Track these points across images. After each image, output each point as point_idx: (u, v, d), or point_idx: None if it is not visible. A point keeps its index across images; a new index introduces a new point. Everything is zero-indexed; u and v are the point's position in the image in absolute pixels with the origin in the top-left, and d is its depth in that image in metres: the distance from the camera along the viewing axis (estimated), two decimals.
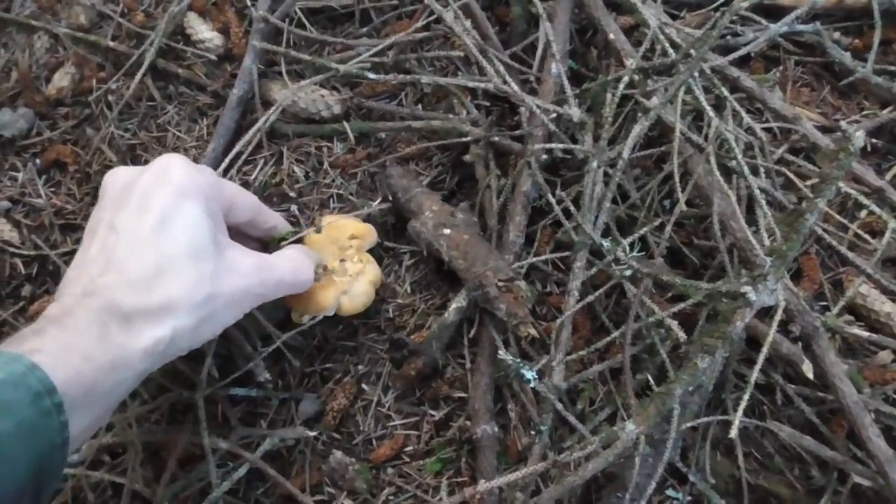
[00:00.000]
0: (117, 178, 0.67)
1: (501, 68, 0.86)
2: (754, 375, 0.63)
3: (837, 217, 0.84)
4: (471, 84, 0.85)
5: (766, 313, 0.75)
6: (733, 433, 0.60)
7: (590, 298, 0.75)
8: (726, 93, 0.81)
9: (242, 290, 0.67)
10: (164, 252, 0.62)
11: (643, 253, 0.83)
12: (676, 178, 0.73)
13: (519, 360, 0.69)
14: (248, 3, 0.99)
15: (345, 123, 0.95)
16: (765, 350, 0.65)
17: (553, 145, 0.81)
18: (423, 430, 0.82)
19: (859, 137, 0.54)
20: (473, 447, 0.78)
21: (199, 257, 0.63)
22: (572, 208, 0.77)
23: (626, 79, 0.78)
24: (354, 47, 1.00)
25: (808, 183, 0.82)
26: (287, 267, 0.74)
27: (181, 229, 0.63)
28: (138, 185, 0.65)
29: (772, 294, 0.58)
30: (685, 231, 0.88)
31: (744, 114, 0.82)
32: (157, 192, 0.64)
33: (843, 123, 0.58)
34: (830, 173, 0.56)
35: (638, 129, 0.73)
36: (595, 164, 0.76)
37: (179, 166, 0.66)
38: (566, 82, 0.86)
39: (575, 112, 0.80)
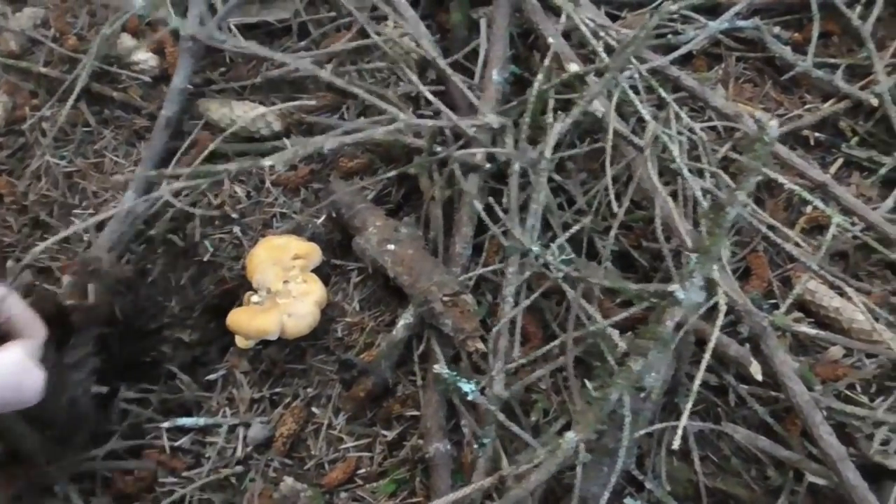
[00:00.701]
0: None
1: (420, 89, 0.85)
2: (697, 382, 0.62)
3: (783, 214, 0.84)
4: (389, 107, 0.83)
5: (713, 316, 0.74)
6: (675, 444, 0.59)
7: (523, 305, 0.74)
8: (664, 93, 0.80)
9: None
10: None
11: (577, 257, 0.82)
12: (609, 183, 0.72)
13: (456, 374, 0.67)
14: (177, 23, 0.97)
15: (286, 140, 0.93)
16: (708, 353, 0.64)
17: (474, 151, 0.79)
18: (375, 452, 0.80)
19: (773, 127, 0.53)
20: (427, 466, 0.76)
21: None
22: (501, 214, 0.76)
23: (538, 82, 0.76)
24: (292, 62, 0.97)
25: None
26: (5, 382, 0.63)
27: None
28: None
29: (699, 291, 0.57)
30: (634, 234, 0.87)
31: (683, 114, 0.81)
32: None
33: (757, 113, 0.57)
34: (749, 164, 0.55)
35: (559, 126, 0.72)
36: (517, 166, 0.75)
37: None
38: (467, 94, 0.84)
39: (493, 119, 0.79)
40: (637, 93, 0.83)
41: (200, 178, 0.86)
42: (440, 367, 0.70)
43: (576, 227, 0.74)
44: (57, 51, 1.02)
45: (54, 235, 0.95)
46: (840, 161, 0.92)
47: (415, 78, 0.81)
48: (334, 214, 0.87)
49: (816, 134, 0.92)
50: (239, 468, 0.80)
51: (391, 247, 0.81)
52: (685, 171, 0.73)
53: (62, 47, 1.02)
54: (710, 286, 0.72)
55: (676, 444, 0.59)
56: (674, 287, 0.62)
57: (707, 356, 0.63)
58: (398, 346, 0.81)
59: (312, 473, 0.80)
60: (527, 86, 0.92)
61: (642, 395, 0.74)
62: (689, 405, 0.62)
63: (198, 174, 0.86)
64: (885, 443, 0.74)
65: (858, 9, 0.96)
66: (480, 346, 0.75)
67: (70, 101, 0.97)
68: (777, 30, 0.98)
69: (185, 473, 0.80)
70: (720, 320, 0.65)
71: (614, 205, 0.70)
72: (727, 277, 0.74)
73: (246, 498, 0.79)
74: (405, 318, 0.81)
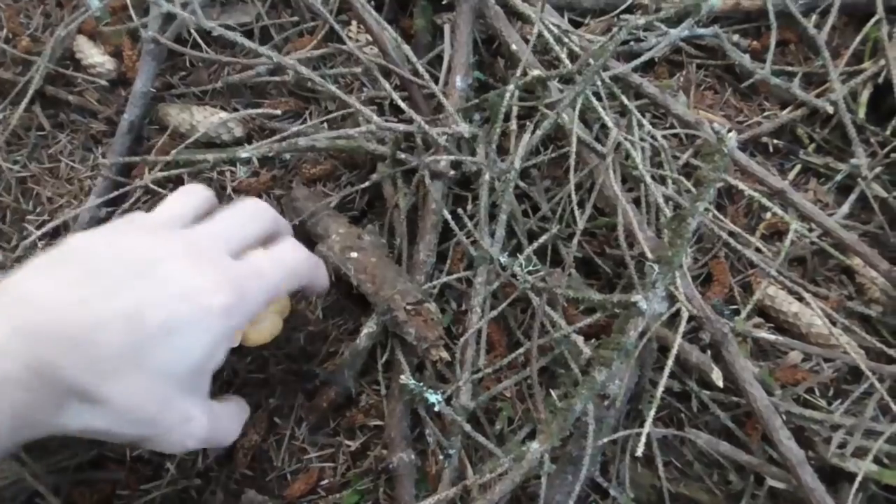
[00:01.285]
0: None
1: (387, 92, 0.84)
2: (660, 389, 0.62)
3: (743, 220, 0.85)
4: (361, 108, 0.82)
5: (675, 323, 0.75)
6: (639, 451, 0.59)
7: (492, 315, 0.74)
8: (626, 101, 0.81)
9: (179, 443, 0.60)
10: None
11: (541, 264, 0.82)
12: (573, 190, 0.72)
13: (422, 384, 0.67)
14: (139, 25, 0.95)
15: (247, 146, 0.92)
16: (670, 361, 0.65)
17: (441, 154, 0.78)
18: (339, 462, 0.79)
19: (731, 138, 0.54)
20: (391, 476, 0.76)
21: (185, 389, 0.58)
22: (467, 222, 0.76)
23: (513, 90, 0.76)
24: (254, 66, 0.96)
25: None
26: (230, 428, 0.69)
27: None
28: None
29: (662, 301, 0.57)
30: (597, 241, 0.87)
31: (646, 122, 0.82)
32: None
33: (716, 123, 0.58)
34: (708, 175, 0.55)
35: (527, 138, 0.73)
36: (487, 176, 0.75)
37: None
38: (443, 101, 0.84)
39: (463, 128, 0.79)
40: (599, 99, 0.84)
41: (181, 168, 0.85)
42: (406, 378, 0.69)
43: (543, 238, 0.74)
44: (9, 52, 0.99)
45: (5, 241, 0.92)
46: (798, 167, 0.93)
47: (387, 84, 0.80)
48: (296, 222, 0.86)
49: (775, 141, 0.94)
50: (198, 481, 0.78)
51: (354, 254, 0.80)
52: (647, 178, 0.74)
53: (15, 49, 0.99)
54: (672, 293, 0.72)
55: (640, 451, 0.60)
56: (636, 297, 0.62)
57: (670, 363, 0.63)
58: (361, 354, 0.80)
59: (275, 485, 0.79)
60: (490, 91, 0.93)
61: (605, 402, 0.75)
62: (652, 412, 0.62)
63: (177, 163, 0.84)
64: (842, 446, 0.75)
65: (814, 17, 0.98)
66: (444, 354, 0.74)
67: (23, 104, 0.94)
68: (736, 38, 1.00)
69: (143, 486, 0.78)
70: (682, 328, 0.65)
71: (577, 213, 0.70)
72: (689, 285, 0.75)
73: None
74: (368, 327, 0.80)
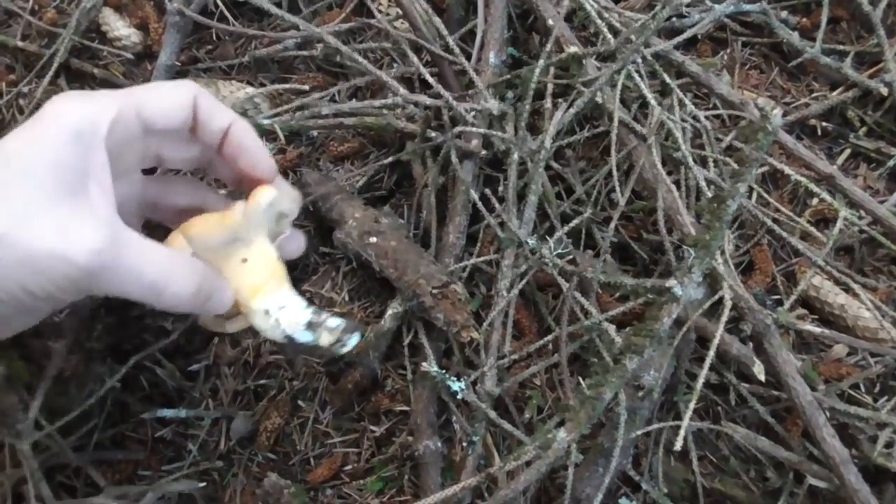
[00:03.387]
0: None
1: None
2: (700, 382, 0.59)
3: (788, 205, 0.81)
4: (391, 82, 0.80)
5: (716, 313, 0.72)
6: (678, 445, 0.57)
7: (513, 293, 0.71)
8: (669, 80, 0.77)
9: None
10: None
11: (575, 248, 0.79)
12: (615, 172, 0.69)
13: (444, 371, 0.65)
14: None
15: (274, 123, 0.90)
16: (711, 353, 0.62)
17: (469, 128, 0.75)
18: (363, 448, 0.77)
19: (776, 116, 0.50)
20: (416, 464, 0.74)
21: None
22: (497, 203, 0.73)
23: (543, 65, 0.73)
24: (282, 40, 0.94)
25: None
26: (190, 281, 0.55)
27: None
28: None
29: (698, 287, 0.54)
30: (634, 225, 0.84)
31: (688, 101, 0.78)
32: None
33: (760, 100, 0.54)
34: (750, 155, 0.52)
35: (559, 115, 0.69)
36: (516, 155, 0.71)
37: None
38: (473, 77, 0.81)
39: (493, 105, 0.76)
40: (640, 77, 0.80)
41: None
42: (428, 366, 0.67)
43: (576, 221, 0.71)
44: (35, 24, 0.98)
45: None
46: (847, 152, 0.89)
47: (415, 59, 0.77)
48: (311, 208, 0.84)
49: (823, 123, 0.89)
50: (220, 463, 0.77)
51: (373, 239, 0.77)
52: (690, 161, 0.70)
53: (40, 21, 0.98)
54: (714, 281, 0.69)
55: (679, 446, 0.57)
56: (671, 282, 0.59)
57: (711, 354, 0.61)
58: (386, 336, 0.78)
59: (297, 469, 0.77)
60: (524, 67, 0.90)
61: (640, 393, 0.72)
62: (691, 405, 0.59)
63: None
64: (889, 445, 0.72)
65: None
66: (476, 335, 0.72)
67: (48, 77, 0.93)
68: (784, 14, 0.95)
69: (165, 467, 0.77)
70: (725, 317, 0.62)
71: (619, 194, 0.67)
72: (731, 272, 0.71)
73: (228, 493, 0.76)
74: (394, 308, 0.78)
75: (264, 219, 0.59)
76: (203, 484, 0.74)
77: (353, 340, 0.60)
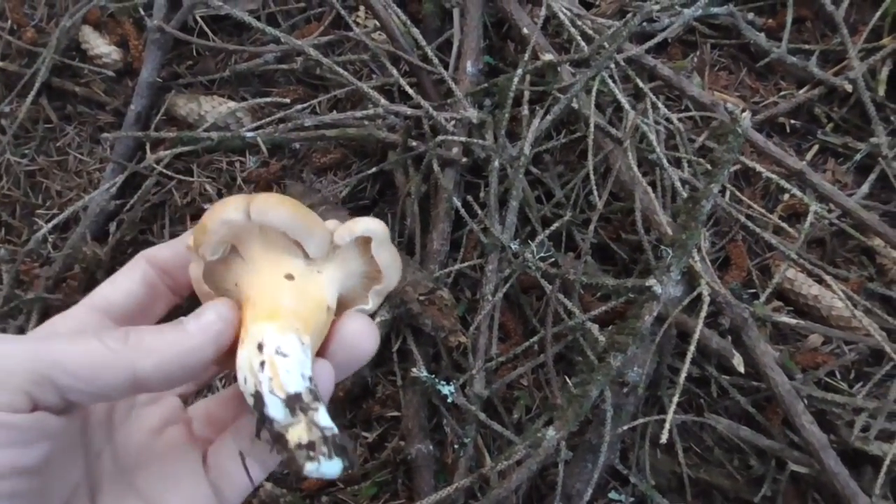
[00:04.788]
0: None
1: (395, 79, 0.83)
2: (683, 376, 0.61)
3: (760, 202, 0.84)
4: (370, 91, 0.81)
5: (695, 308, 0.74)
6: (664, 438, 0.59)
7: (498, 297, 0.73)
8: (642, 84, 0.79)
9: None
10: None
11: (556, 251, 0.81)
12: (591, 175, 0.71)
13: (434, 376, 0.66)
14: (144, 14, 0.93)
15: (258, 136, 0.91)
16: (692, 347, 0.64)
17: (450, 137, 0.77)
18: (357, 453, 0.79)
19: (745, 118, 0.53)
20: (409, 467, 0.75)
21: None
22: (479, 210, 0.75)
23: (521, 73, 0.75)
24: (262, 55, 0.95)
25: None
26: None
27: None
28: None
29: (677, 285, 0.56)
30: (612, 226, 0.86)
31: (660, 104, 0.80)
32: None
33: (729, 104, 0.56)
34: (722, 157, 0.54)
35: (537, 122, 0.71)
36: (496, 162, 0.73)
37: None
38: (452, 87, 0.83)
39: (472, 113, 0.78)
40: (612, 82, 0.82)
41: (183, 146, 0.84)
42: (418, 370, 0.68)
43: (557, 224, 0.73)
44: (15, 44, 0.98)
45: (15, 236, 0.92)
46: (816, 147, 0.91)
47: (394, 70, 0.79)
48: None
49: (792, 121, 0.92)
50: None
51: None
52: (664, 162, 0.72)
53: (20, 40, 0.98)
54: (692, 278, 0.71)
55: (664, 439, 0.59)
56: (651, 282, 0.62)
57: (692, 349, 0.63)
58: None
59: (292, 477, 0.78)
60: (501, 75, 0.92)
61: (625, 389, 0.74)
62: (675, 398, 0.61)
63: (180, 140, 0.83)
64: (866, 429, 0.74)
65: None
66: (463, 339, 0.73)
67: (30, 97, 0.93)
68: (751, 16, 0.98)
69: None
70: (704, 313, 0.64)
71: (596, 197, 0.69)
72: (707, 269, 0.74)
73: None
74: (381, 316, 0.79)
75: (349, 252, 0.43)
76: None
77: (331, 467, 0.37)
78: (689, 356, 0.62)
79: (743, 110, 0.54)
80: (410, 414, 0.76)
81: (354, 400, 0.80)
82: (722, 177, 0.55)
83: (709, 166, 0.75)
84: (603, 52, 0.73)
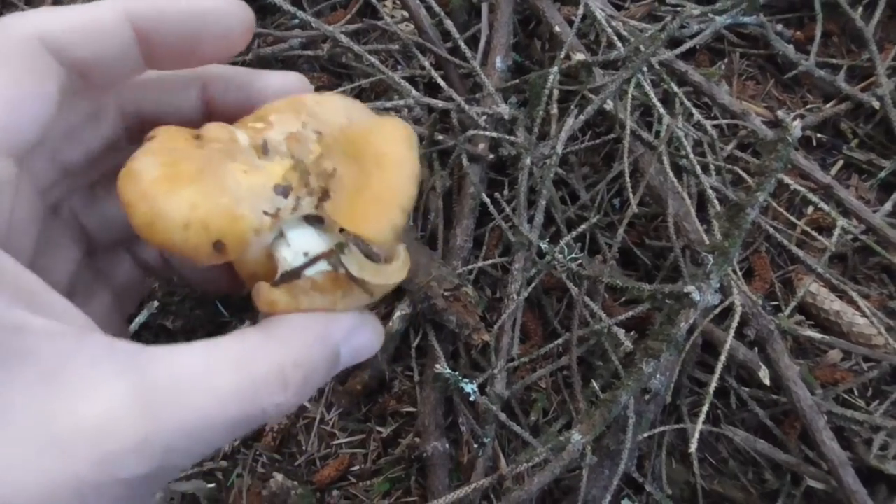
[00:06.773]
0: None
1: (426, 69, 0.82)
2: (713, 386, 0.61)
3: (786, 214, 0.83)
4: (400, 84, 0.80)
5: (720, 318, 0.73)
6: (693, 447, 0.58)
7: (522, 296, 0.72)
8: (676, 88, 0.78)
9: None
10: None
11: (586, 254, 0.81)
12: (627, 179, 0.70)
13: (458, 373, 0.65)
14: None
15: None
16: (722, 358, 0.63)
17: (481, 132, 0.76)
18: (369, 449, 0.77)
19: (796, 127, 0.52)
20: (423, 465, 0.74)
21: None
22: (505, 206, 0.74)
23: (556, 72, 0.74)
24: (287, 39, 0.93)
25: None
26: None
27: None
28: None
29: (715, 293, 0.56)
30: (636, 231, 0.85)
31: (694, 110, 0.80)
32: None
33: (780, 113, 0.56)
34: (770, 165, 0.53)
35: (571, 122, 0.70)
36: (528, 160, 0.72)
37: None
38: (483, 81, 0.81)
39: (504, 109, 0.77)
40: (639, 87, 0.82)
41: None
42: (441, 367, 0.67)
43: (583, 226, 0.73)
44: None
45: None
46: (840, 163, 0.91)
47: (425, 61, 0.78)
48: None
49: (818, 134, 0.92)
50: (225, 463, 0.77)
51: None
52: (698, 169, 0.72)
53: None
54: (722, 288, 0.71)
55: (693, 448, 0.58)
56: (689, 288, 0.61)
57: (723, 359, 0.62)
58: (395, 337, 0.78)
59: (303, 470, 0.77)
60: (527, 73, 0.90)
61: (647, 397, 0.73)
62: (704, 409, 0.61)
63: None
64: (884, 448, 0.74)
65: (860, 10, 0.96)
66: (487, 337, 0.72)
67: None
68: (780, 27, 0.97)
69: None
70: (735, 323, 0.64)
71: (630, 201, 0.68)
72: (739, 279, 0.73)
73: (232, 494, 0.76)
74: (402, 309, 0.78)
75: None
76: (212, 485, 0.73)
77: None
78: (720, 366, 0.61)
79: (793, 119, 0.53)
80: (427, 411, 0.75)
81: (370, 394, 0.79)
82: (769, 185, 0.54)
83: (742, 174, 0.75)
84: (640, 54, 0.73)
